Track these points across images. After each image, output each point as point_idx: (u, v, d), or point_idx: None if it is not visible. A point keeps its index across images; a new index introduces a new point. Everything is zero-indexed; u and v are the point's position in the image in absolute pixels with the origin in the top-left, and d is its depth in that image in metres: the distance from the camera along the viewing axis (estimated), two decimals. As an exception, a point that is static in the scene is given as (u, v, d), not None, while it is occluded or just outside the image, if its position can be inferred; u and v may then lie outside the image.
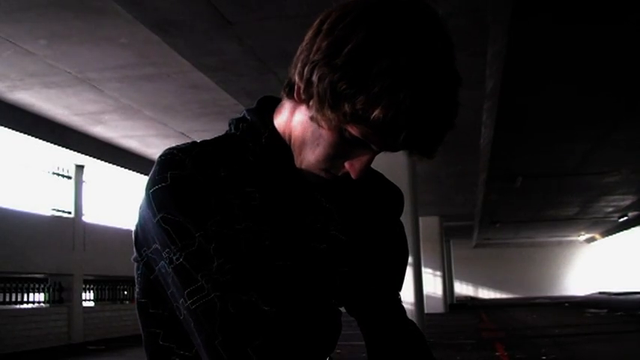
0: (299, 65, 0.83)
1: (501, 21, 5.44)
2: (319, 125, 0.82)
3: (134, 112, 8.85)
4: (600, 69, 7.88)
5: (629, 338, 9.02)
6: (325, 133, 0.83)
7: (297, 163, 0.89)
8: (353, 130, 0.80)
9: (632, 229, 27.06)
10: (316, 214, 0.92)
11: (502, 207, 20.07)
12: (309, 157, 0.87)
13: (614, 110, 9.65)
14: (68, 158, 10.62)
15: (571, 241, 35.77)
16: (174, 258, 0.82)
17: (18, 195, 10.02)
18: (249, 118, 0.94)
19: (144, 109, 8.74)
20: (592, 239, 34.56)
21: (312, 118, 0.83)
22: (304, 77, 0.81)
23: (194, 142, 0.88)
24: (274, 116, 0.94)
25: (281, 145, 0.91)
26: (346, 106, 0.76)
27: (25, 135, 8.91)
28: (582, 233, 31.58)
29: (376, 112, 0.75)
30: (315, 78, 0.78)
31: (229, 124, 0.96)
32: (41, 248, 9.98)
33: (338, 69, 0.76)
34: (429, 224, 18.12)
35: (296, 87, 0.84)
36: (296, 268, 0.88)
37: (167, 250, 0.83)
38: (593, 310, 16.76)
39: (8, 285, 9.64)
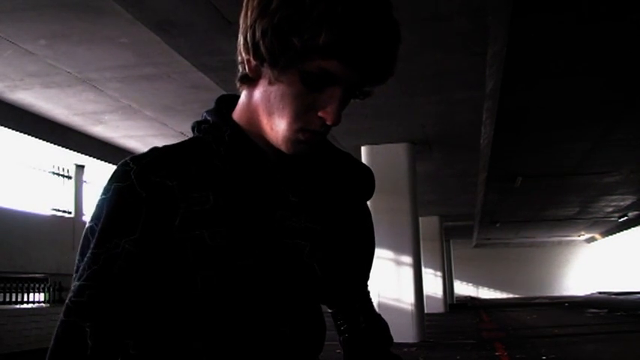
0: (241, 41, 0.85)
1: (501, 21, 5.44)
2: (279, 81, 0.83)
3: (134, 112, 8.85)
4: (600, 69, 7.88)
5: (629, 338, 9.02)
6: (288, 89, 0.83)
7: (273, 139, 0.88)
8: (311, 68, 0.80)
9: (632, 229, 27.06)
10: (285, 210, 0.90)
11: (502, 207, 20.07)
12: (281, 124, 0.85)
13: (614, 110, 9.65)
14: (68, 158, 10.62)
15: (571, 241, 35.77)
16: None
17: (18, 195, 10.02)
18: (209, 119, 0.93)
19: (144, 109, 8.74)
20: (592, 239, 34.56)
21: (270, 82, 0.84)
22: (249, 44, 0.83)
23: (153, 149, 0.87)
24: (235, 111, 0.93)
25: (245, 139, 0.90)
26: (295, 40, 0.78)
27: (25, 135, 8.90)
28: (582, 233, 31.58)
29: (323, 37, 0.76)
30: (259, 35, 0.81)
31: (192, 128, 0.95)
32: (41, 248, 9.98)
33: (275, 13, 0.78)
34: (429, 224, 18.12)
35: (246, 63, 0.86)
36: (259, 267, 0.85)
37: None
38: (593, 310, 16.76)
39: (8, 285, 9.64)
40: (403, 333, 8.65)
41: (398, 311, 8.79)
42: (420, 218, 10.21)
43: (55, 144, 9.49)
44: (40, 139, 9.15)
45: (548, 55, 7.36)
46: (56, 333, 0.80)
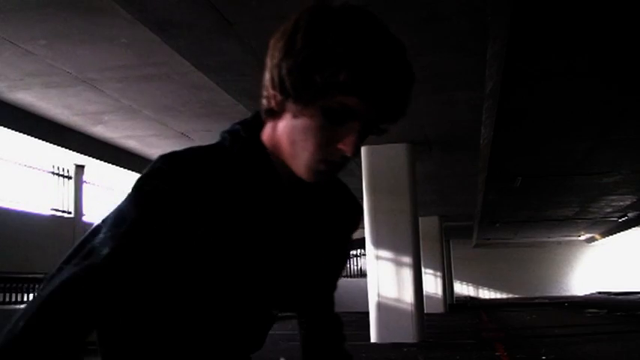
0: (267, 78, 0.92)
1: (501, 21, 5.44)
2: (303, 115, 0.89)
3: (134, 112, 8.85)
4: (600, 68, 7.88)
5: (629, 338, 9.02)
6: (310, 123, 0.89)
7: (294, 167, 0.94)
8: (332, 103, 0.87)
9: (632, 229, 27.04)
10: (290, 230, 1.01)
11: (502, 207, 20.07)
12: (304, 154, 0.91)
13: (613, 110, 9.65)
14: (68, 158, 10.62)
15: (571, 241, 35.75)
16: None
17: (18, 195, 10.02)
18: (243, 135, 0.99)
19: (144, 110, 8.74)
20: (592, 239, 34.55)
21: (294, 116, 0.91)
22: (276, 81, 0.90)
23: (189, 152, 0.93)
24: (262, 136, 1.00)
25: (268, 164, 0.98)
26: (317, 78, 0.85)
27: (25, 135, 8.90)
28: (582, 233, 31.56)
29: (343, 75, 0.84)
30: (284, 73, 0.88)
31: (223, 138, 1.00)
32: (41, 248, 9.97)
33: (299, 53, 0.86)
34: (429, 224, 18.11)
35: (272, 98, 0.92)
36: (263, 277, 0.98)
37: None
38: (593, 310, 16.76)
39: (8, 285, 9.63)
40: (403, 333, 8.65)
41: (398, 311, 8.79)
42: (420, 218, 10.21)
43: (55, 144, 9.48)
44: (40, 139, 9.14)
45: (548, 54, 7.36)
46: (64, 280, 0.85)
